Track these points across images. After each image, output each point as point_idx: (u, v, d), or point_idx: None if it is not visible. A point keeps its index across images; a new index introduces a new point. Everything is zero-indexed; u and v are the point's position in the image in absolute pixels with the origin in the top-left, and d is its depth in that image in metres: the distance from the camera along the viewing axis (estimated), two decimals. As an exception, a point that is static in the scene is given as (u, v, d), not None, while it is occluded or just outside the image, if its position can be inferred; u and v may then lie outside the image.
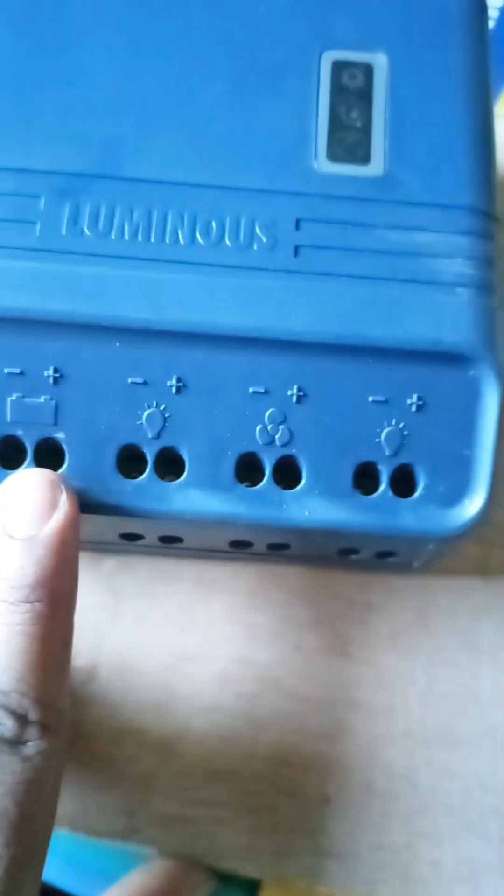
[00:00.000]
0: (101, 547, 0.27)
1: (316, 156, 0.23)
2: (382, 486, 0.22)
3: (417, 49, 0.24)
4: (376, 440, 0.22)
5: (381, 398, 0.22)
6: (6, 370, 0.22)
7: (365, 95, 0.24)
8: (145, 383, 0.22)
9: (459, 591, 0.28)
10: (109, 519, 0.23)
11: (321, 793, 0.26)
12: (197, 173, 0.23)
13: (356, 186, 0.23)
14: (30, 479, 0.21)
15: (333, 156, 0.23)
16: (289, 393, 0.22)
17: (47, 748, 0.19)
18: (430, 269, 0.22)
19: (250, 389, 0.22)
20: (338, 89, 0.24)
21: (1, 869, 0.18)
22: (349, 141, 0.23)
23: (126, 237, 0.22)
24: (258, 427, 0.22)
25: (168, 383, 0.22)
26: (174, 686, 0.26)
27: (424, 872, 0.26)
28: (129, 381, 0.22)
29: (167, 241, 0.22)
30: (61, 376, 0.22)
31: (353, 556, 0.25)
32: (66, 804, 0.26)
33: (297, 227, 0.23)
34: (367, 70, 0.24)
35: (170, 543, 0.25)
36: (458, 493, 0.22)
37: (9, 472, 0.21)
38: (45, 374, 0.22)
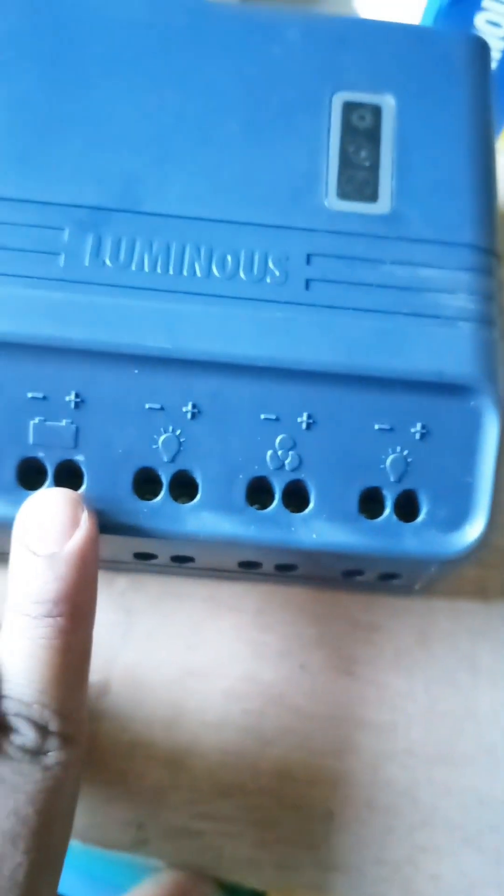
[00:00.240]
0: (113, 566, 0.28)
1: (326, 193, 0.24)
2: (387, 511, 0.23)
3: (424, 91, 0.26)
4: (381, 466, 0.23)
5: (387, 426, 0.23)
6: (29, 395, 0.23)
7: (373, 136, 0.25)
8: (162, 409, 0.23)
9: (459, 612, 0.28)
10: (124, 539, 0.23)
11: (325, 808, 0.27)
12: (213, 209, 0.24)
13: (364, 223, 0.24)
14: (53, 498, 0.21)
15: (343, 194, 0.24)
16: (299, 420, 0.23)
17: (67, 758, 0.20)
18: (434, 303, 0.23)
19: (262, 416, 0.23)
20: (348, 129, 0.25)
21: (21, 875, 0.19)
22: (358, 179, 0.25)
23: (146, 269, 0.23)
24: (269, 452, 0.23)
25: (183, 409, 0.23)
26: (183, 702, 0.27)
27: (424, 886, 0.26)
28: (147, 406, 0.23)
29: (184, 273, 0.23)
30: (82, 401, 0.23)
31: (358, 578, 0.26)
32: (77, 816, 0.26)
33: (308, 261, 0.24)
34: (376, 111, 0.25)
35: (181, 563, 0.26)
36: (459, 518, 0.23)
37: (29, 492, 0.22)
38: (67, 398, 0.23)
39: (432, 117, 0.25)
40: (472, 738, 0.27)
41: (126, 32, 0.25)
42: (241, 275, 0.23)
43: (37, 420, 0.23)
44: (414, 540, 0.23)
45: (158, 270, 0.23)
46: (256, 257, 0.24)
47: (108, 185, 0.24)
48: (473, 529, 0.23)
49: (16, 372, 0.23)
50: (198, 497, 0.23)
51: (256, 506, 0.23)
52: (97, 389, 0.23)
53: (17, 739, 0.20)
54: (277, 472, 0.23)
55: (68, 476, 0.23)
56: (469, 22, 0.34)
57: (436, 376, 0.23)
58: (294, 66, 0.25)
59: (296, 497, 0.23)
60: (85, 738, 0.21)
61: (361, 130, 0.25)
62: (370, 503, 0.23)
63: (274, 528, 0.23)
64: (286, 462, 0.23)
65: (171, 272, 0.23)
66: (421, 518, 0.23)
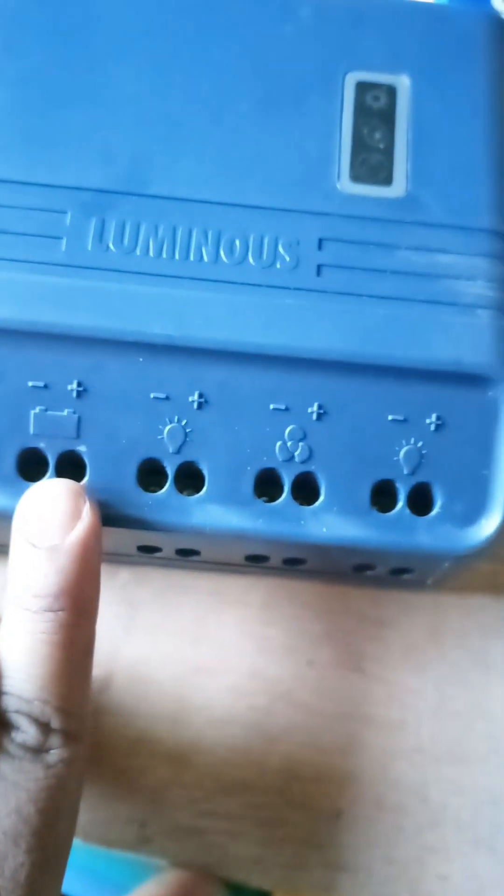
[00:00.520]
0: (116, 558, 0.27)
1: (339, 176, 0.24)
2: (400, 504, 0.23)
3: (440, 71, 0.25)
4: (395, 458, 0.22)
5: (401, 417, 0.22)
6: (30, 383, 0.22)
7: (388, 117, 0.24)
8: (167, 398, 0.22)
9: (471, 608, 0.28)
10: (128, 531, 0.23)
11: (332, 806, 0.26)
12: (221, 192, 0.23)
13: (379, 207, 0.23)
14: (53, 489, 0.21)
15: (356, 177, 0.24)
16: (309, 410, 0.22)
17: (69, 756, 0.20)
18: (451, 290, 0.23)
19: (271, 406, 0.22)
20: (361, 110, 0.24)
21: (23, 875, 0.19)
22: (372, 162, 0.24)
23: (151, 254, 0.22)
24: (278, 443, 0.22)
25: (190, 399, 0.22)
26: (187, 697, 0.27)
27: (433, 887, 0.26)
28: (152, 396, 0.22)
29: (191, 258, 0.23)
30: (84, 390, 0.22)
31: (368, 572, 0.25)
32: (80, 814, 0.26)
33: (320, 246, 0.23)
34: (391, 92, 0.24)
35: (186, 556, 0.25)
36: (474, 512, 0.23)
37: (30, 483, 0.22)
38: (69, 387, 0.22)
39: (449, 98, 0.24)
40: (482, 737, 0.27)
41: (134, 8, 0.24)
42: (250, 260, 0.23)
43: (38, 409, 0.22)
44: (427, 534, 0.22)
45: (164, 255, 0.23)
46: (266, 242, 0.23)
47: (112, 166, 0.23)
48: (489, 524, 0.22)
49: (16, 360, 0.22)
50: (204, 489, 0.22)
51: (265, 498, 0.22)
52: (100, 378, 0.22)
53: (18, 737, 0.19)
54: (287, 464, 0.22)
55: (70, 467, 0.22)
56: (486, 0, 0.33)
57: (452, 366, 0.22)
58: (306, 45, 0.25)
59: (306, 490, 0.23)
60: (88, 734, 0.21)
61: (375, 111, 0.24)
62: (382, 496, 0.23)
63: (283, 521, 0.22)
64: (296, 454, 0.22)
65: (177, 257, 0.23)
66: (435, 512, 0.23)
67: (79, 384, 0.22)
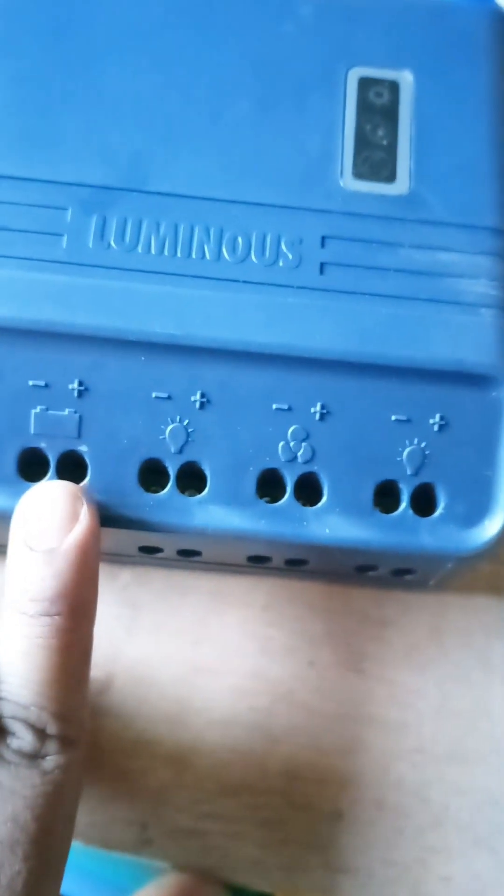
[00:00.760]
0: (117, 559, 0.27)
1: (342, 173, 0.23)
2: (403, 505, 0.22)
3: (443, 67, 0.24)
4: (398, 459, 0.22)
5: (404, 417, 0.22)
6: (31, 382, 0.22)
7: (391, 113, 0.24)
8: (169, 398, 0.22)
9: (473, 608, 0.28)
10: (129, 532, 0.23)
11: (333, 807, 0.26)
12: (223, 189, 0.23)
13: (381, 205, 0.23)
14: (51, 491, 0.20)
15: (359, 174, 0.23)
16: (312, 410, 0.22)
17: (66, 762, 0.19)
18: (454, 289, 0.23)
19: (274, 406, 0.22)
20: (364, 106, 0.24)
21: (20, 883, 0.18)
22: (375, 159, 0.24)
23: (152, 251, 0.22)
24: (281, 444, 0.22)
25: (192, 398, 0.22)
26: (188, 699, 0.26)
27: (435, 888, 0.26)
28: (153, 395, 0.22)
29: (193, 256, 0.22)
30: (85, 389, 0.22)
31: (371, 573, 0.25)
32: (80, 816, 0.25)
33: (323, 244, 0.23)
34: (394, 87, 0.24)
35: (188, 557, 0.25)
36: (478, 513, 0.22)
37: (30, 484, 0.21)
38: (70, 387, 0.22)
39: (452, 94, 0.24)
40: (484, 737, 0.27)
41: (135, 5, 0.24)
42: (253, 258, 0.22)
43: (38, 409, 0.22)
44: (430, 535, 0.22)
45: (166, 253, 0.22)
46: (268, 240, 0.23)
47: (113, 163, 0.23)
48: (493, 525, 0.22)
49: (16, 359, 0.22)
50: (206, 490, 0.22)
51: (267, 499, 0.22)
52: (101, 377, 0.22)
53: (14, 743, 0.19)
54: (289, 465, 0.22)
55: (71, 467, 0.22)
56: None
57: (456, 365, 0.22)
58: (307, 40, 0.24)
59: (308, 490, 0.22)
60: (85, 739, 0.21)
61: (378, 108, 0.24)
62: (385, 497, 0.22)
63: (285, 522, 0.22)
64: (298, 454, 0.22)
65: (178, 255, 0.22)
66: (438, 513, 0.22)
67: (80, 383, 0.22)
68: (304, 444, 0.22)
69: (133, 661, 0.27)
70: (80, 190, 0.23)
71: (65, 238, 0.22)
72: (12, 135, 0.23)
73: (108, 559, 0.27)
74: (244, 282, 0.22)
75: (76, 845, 0.25)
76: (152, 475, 0.22)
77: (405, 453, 0.22)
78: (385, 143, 0.24)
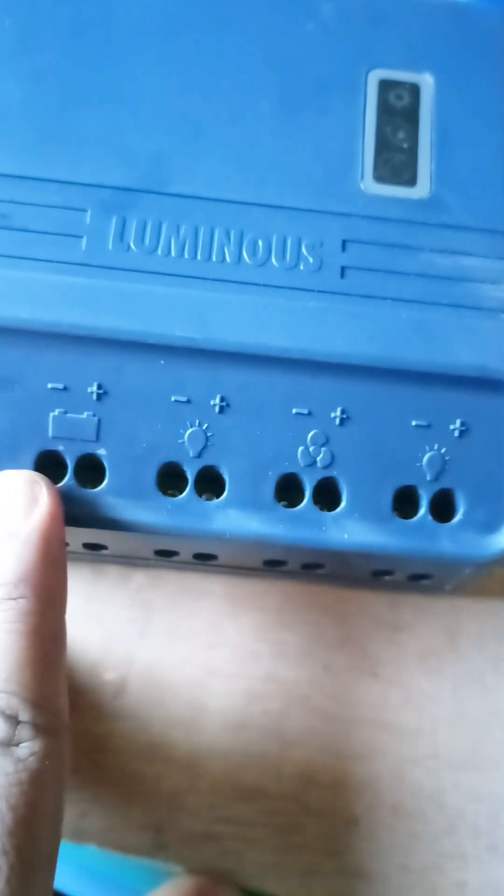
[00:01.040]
0: (129, 561, 0.27)
1: (363, 176, 0.23)
2: (422, 511, 0.22)
3: (464, 70, 0.24)
4: (417, 464, 0.22)
5: (424, 423, 0.22)
6: (49, 385, 0.22)
7: (411, 116, 0.24)
8: (188, 402, 0.22)
9: (487, 612, 0.28)
10: (146, 535, 0.23)
11: (349, 813, 0.26)
12: (243, 191, 0.23)
13: (402, 209, 0.23)
14: (6, 478, 0.20)
15: (380, 177, 0.23)
16: (332, 415, 0.22)
17: (43, 749, 0.19)
18: (476, 294, 0.22)
19: (293, 410, 0.22)
20: (384, 109, 0.24)
21: (1, 880, 0.17)
22: (395, 162, 0.23)
23: (172, 254, 0.22)
24: (300, 448, 0.22)
25: (211, 402, 0.22)
26: (203, 702, 0.26)
27: (450, 894, 0.26)
28: (173, 399, 0.22)
29: (213, 259, 0.22)
30: (104, 393, 0.22)
31: (387, 578, 0.25)
32: (94, 819, 0.25)
33: (344, 248, 0.23)
34: (414, 90, 0.24)
35: (204, 561, 0.25)
36: (497, 519, 0.22)
37: (49, 487, 0.21)
38: (89, 390, 0.22)
39: (473, 97, 0.24)
40: (500, 742, 0.27)
41: (155, 5, 0.24)
42: (273, 261, 0.22)
43: (57, 412, 0.22)
44: (449, 541, 0.22)
45: (186, 256, 0.22)
46: (289, 243, 0.22)
47: (133, 164, 0.23)
48: (512, 531, 0.22)
49: (35, 361, 0.22)
50: (225, 494, 0.22)
51: (285, 503, 0.22)
52: (121, 380, 0.22)
53: None
54: (308, 469, 0.22)
55: (89, 470, 0.22)
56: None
57: (477, 371, 0.22)
58: (328, 42, 0.24)
59: (327, 495, 0.22)
60: (65, 728, 0.20)
61: (399, 110, 0.24)
62: (404, 502, 0.22)
63: (304, 527, 0.22)
64: (318, 459, 0.22)
65: (199, 258, 0.22)
66: (457, 518, 0.22)
67: (99, 386, 0.22)
68: (323, 448, 0.22)
69: (147, 664, 0.27)
70: (100, 191, 0.22)
71: (84, 240, 0.22)
72: (32, 135, 0.23)
73: (122, 561, 0.27)
74: (264, 285, 0.22)
75: (90, 849, 0.25)
76: (171, 479, 0.22)
77: (425, 459, 0.22)
78: (406, 146, 0.24)
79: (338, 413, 0.22)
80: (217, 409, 0.22)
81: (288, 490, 0.22)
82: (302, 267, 0.22)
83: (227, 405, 0.22)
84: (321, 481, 0.22)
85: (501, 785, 0.26)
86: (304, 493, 0.22)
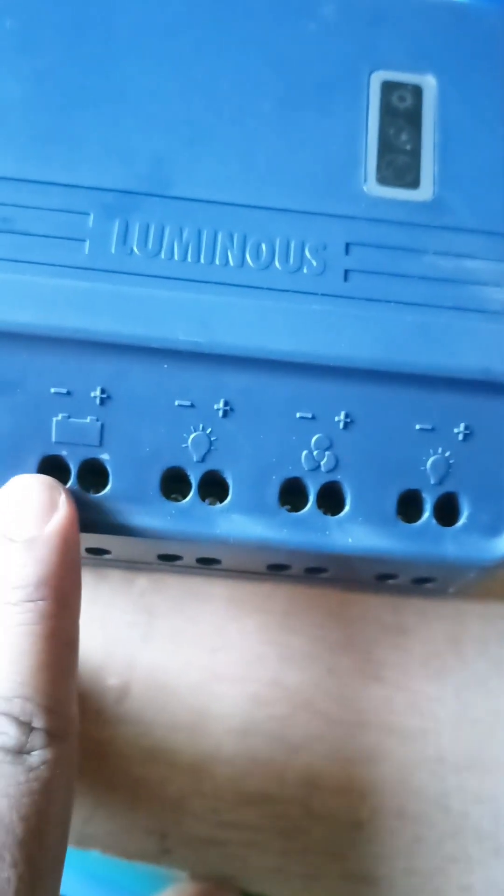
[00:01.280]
0: (132, 565, 0.27)
1: (366, 178, 0.23)
2: (426, 515, 0.22)
3: (467, 71, 0.24)
4: (421, 468, 0.22)
5: (428, 426, 0.22)
6: (53, 390, 0.21)
7: (414, 118, 0.24)
8: (192, 406, 0.22)
9: (491, 616, 0.28)
10: (149, 540, 0.22)
11: (353, 816, 0.26)
12: (246, 194, 0.23)
13: (406, 211, 0.23)
14: (26, 483, 0.20)
15: (383, 179, 0.23)
16: (336, 419, 0.22)
17: (54, 757, 0.18)
18: (480, 296, 0.22)
19: (297, 415, 0.22)
20: (387, 110, 0.24)
21: (10, 891, 0.17)
22: (398, 164, 0.23)
23: (175, 257, 0.22)
24: (304, 452, 0.22)
25: (215, 406, 0.22)
26: (206, 706, 0.26)
27: (455, 898, 0.26)
28: (176, 403, 0.22)
29: (216, 262, 0.22)
30: (108, 397, 0.22)
31: (391, 581, 0.25)
32: (97, 824, 0.25)
33: (347, 251, 0.22)
34: (417, 92, 0.24)
35: (207, 565, 0.25)
36: (501, 522, 0.22)
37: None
38: (92, 394, 0.22)
39: (476, 99, 0.24)
40: (504, 746, 0.27)
41: (156, 6, 0.24)
42: (277, 264, 0.22)
43: (60, 416, 0.22)
44: (454, 545, 0.22)
45: (189, 259, 0.22)
46: (292, 246, 0.22)
47: (135, 167, 0.23)
48: (517, 535, 0.22)
49: (38, 365, 0.21)
50: (228, 498, 0.22)
51: (287, 507, 0.22)
52: (124, 385, 0.22)
53: None
54: (312, 473, 0.22)
55: (92, 475, 0.22)
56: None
57: (481, 374, 0.22)
58: (330, 44, 0.24)
59: (331, 499, 0.22)
60: (76, 734, 0.20)
61: (401, 112, 0.24)
62: (409, 506, 0.22)
63: (308, 531, 0.22)
64: (322, 463, 0.22)
65: (202, 261, 0.22)
66: (461, 522, 0.22)
67: (102, 391, 0.22)
68: (327, 452, 0.22)
69: (150, 669, 0.26)
70: (103, 194, 0.22)
71: (87, 243, 0.22)
72: (34, 138, 0.22)
73: (124, 566, 0.27)
74: (267, 289, 0.22)
75: (94, 854, 0.25)
76: (174, 484, 0.22)
77: (429, 462, 0.22)
78: (409, 147, 0.24)
79: (341, 417, 0.22)
80: (220, 413, 0.22)
81: (292, 494, 0.22)
82: (305, 270, 0.22)
83: (231, 409, 0.22)
84: (325, 485, 0.22)
85: (506, 788, 0.26)
86: (307, 498, 0.22)
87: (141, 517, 0.22)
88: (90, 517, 0.22)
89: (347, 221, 0.23)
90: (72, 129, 0.23)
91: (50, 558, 0.19)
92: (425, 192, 0.23)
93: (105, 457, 0.22)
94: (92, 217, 0.22)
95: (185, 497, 0.22)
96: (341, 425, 0.22)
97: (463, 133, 0.24)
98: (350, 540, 0.22)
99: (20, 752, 0.18)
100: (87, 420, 0.22)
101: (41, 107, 0.23)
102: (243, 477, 0.22)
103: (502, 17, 0.25)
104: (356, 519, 0.22)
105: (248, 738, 0.26)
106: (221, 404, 0.22)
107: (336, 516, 0.22)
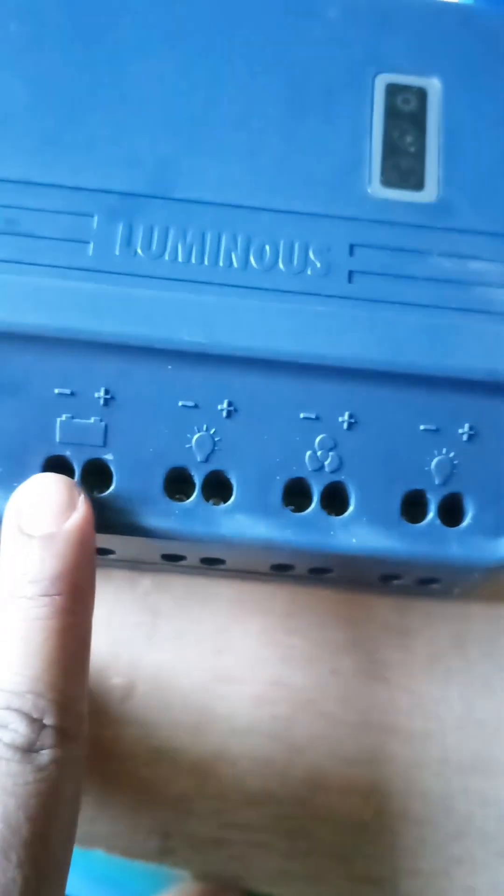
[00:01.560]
0: (136, 566, 0.27)
1: (370, 180, 0.23)
2: (430, 515, 0.22)
3: (470, 73, 0.24)
4: (426, 469, 0.22)
5: (433, 427, 0.22)
6: (56, 391, 0.22)
7: (419, 120, 0.24)
8: (196, 406, 0.22)
9: (496, 617, 0.28)
10: (153, 540, 0.22)
11: (357, 818, 0.26)
12: (250, 196, 0.23)
13: (410, 213, 0.23)
14: (47, 481, 0.20)
15: (387, 181, 0.23)
16: (340, 419, 0.22)
17: (64, 756, 0.18)
18: (484, 298, 0.22)
19: (301, 415, 0.22)
20: (392, 113, 0.24)
21: (15, 892, 0.17)
22: (403, 166, 0.23)
23: (179, 259, 0.22)
24: (308, 453, 0.22)
25: (219, 407, 0.22)
26: (210, 707, 0.26)
27: (458, 900, 0.26)
28: (180, 404, 0.22)
29: (220, 264, 0.22)
30: (112, 398, 0.22)
31: (395, 582, 0.25)
32: (100, 825, 0.25)
33: (351, 252, 0.22)
34: (421, 94, 0.24)
35: (211, 565, 0.25)
36: (506, 523, 0.22)
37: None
38: (96, 395, 0.22)
39: (480, 101, 0.24)
40: (508, 748, 0.27)
41: (161, 9, 0.24)
42: (281, 266, 0.22)
43: (64, 417, 0.22)
44: (458, 546, 0.22)
45: (193, 261, 0.22)
46: (296, 247, 0.22)
47: (139, 169, 0.23)
48: (521, 536, 0.22)
49: (42, 366, 0.22)
50: (232, 498, 0.22)
51: (291, 507, 0.22)
52: (128, 386, 0.22)
53: (5, 736, 0.18)
54: (316, 474, 0.22)
55: (96, 475, 0.22)
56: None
57: (485, 374, 0.22)
58: (335, 46, 0.24)
59: (335, 500, 0.22)
60: (86, 734, 0.19)
61: (406, 114, 0.24)
62: (413, 507, 0.22)
63: (312, 531, 0.22)
64: (326, 463, 0.22)
65: (206, 263, 0.22)
66: (466, 523, 0.22)
67: (106, 392, 0.22)
68: (331, 453, 0.22)
69: (154, 669, 0.26)
70: (107, 196, 0.22)
71: (91, 245, 0.22)
72: (38, 140, 0.23)
73: (128, 566, 0.27)
74: (272, 290, 0.22)
75: (97, 853, 0.25)
76: (178, 484, 0.22)
77: (433, 463, 0.22)
78: (413, 150, 0.24)
79: (346, 417, 0.22)
80: (224, 413, 0.22)
81: (296, 495, 0.22)
82: (309, 271, 0.22)
83: (235, 410, 0.22)
84: (329, 486, 0.22)
85: (510, 790, 0.26)
86: (311, 498, 0.22)
87: (145, 517, 0.22)
88: (94, 517, 0.22)
89: (352, 223, 0.23)
90: (76, 131, 0.23)
91: (67, 554, 0.19)
92: (429, 193, 0.23)
93: (109, 457, 0.22)
94: (96, 219, 0.22)
95: (188, 497, 0.22)
96: (345, 426, 0.22)
97: (467, 135, 0.24)
98: (354, 540, 0.22)
99: (30, 749, 0.18)
100: (91, 421, 0.22)
101: (46, 109, 0.23)
102: (247, 477, 0.22)
103: (506, 19, 0.25)
104: (360, 519, 0.22)
105: (251, 739, 0.26)
106: (225, 405, 0.22)
107: (340, 517, 0.22)
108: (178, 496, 0.22)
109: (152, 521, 0.22)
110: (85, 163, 0.23)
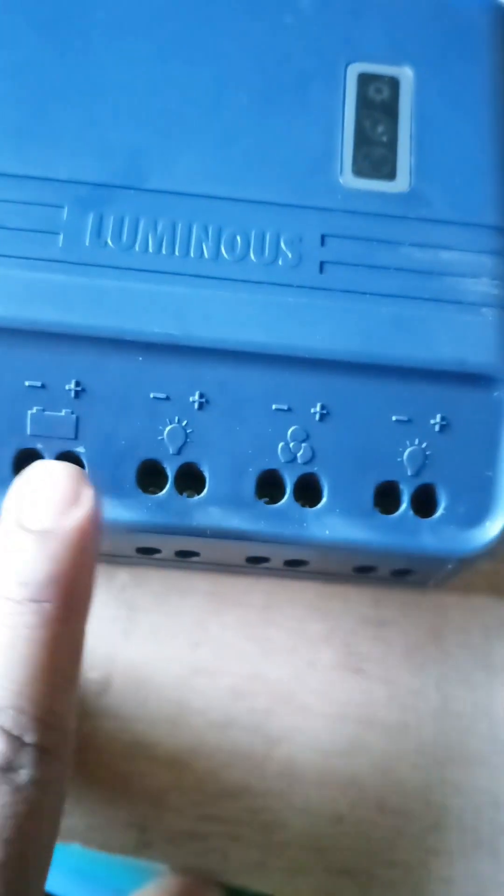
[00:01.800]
0: (113, 560, 0.27)
1: (342, 170, 0.23)
2: (403, 506, 0.22)
3: (443, 63, 0.24)
4: (398, 460, 0.22)
5: (405, 418, 0.22)
6: (27, 383, 0.21)
7: (391, 110, 0.24)
8: (167, 398, 0.22)
9: (473, 608, 0.28)
10: (127, 533, 0.22)
11: (334, 810, 0.26)
12: (221, 186, 0.23)
13: (382, 203, 0.23)
14: (51, 469, 0.19)
15: (359, 171, 0.23)
16: (312, 411, 0.22)
17: (44, 776, 0.17)
18: (456, 288, 0.22)
19: (273, 407, 0.22)
20: (364, 103, 0.24)
21: None
22: (375, 156, 0.23)
23: (150, 250, 0.22)
24: (280, 444, 0.22)
25: (190, 399, 0.22)
26: (187, 700, 0.26)
27: (436, 890, 0.26)
28: (152, 396, 0.22)
29: (192, 254, 0.22)
30: (83, 390, 0.22)
31: (371, 574, 0.25)
32: (77, 818, 0.25)
33: (323, 242, 0.22)
34: (394, 84, 0.24)
35: (186, 558, 0.25)
36: (479, 513, 0.22)
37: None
38: (67, 387, 0.21)
39: (453, 90, 0.24)
40: (485, 738, 0.26)
41: (130, -3, 0.24)
42: (252, 257, 0.22)
43: (35, 410, 0.22)
44: (431, 536, 0.22)
45: (164, 251, 0.22)
46: (268, 238, 0.22)
47: (110, 159, 0.22)
48: (494, 526, 0.22)
49: (12, 359, 0.21)
50: (205, 491, 0.22)
51: (265, 499, 0.22)
52: (99, 378, 0.22)
53: None
54: (289, 466, 0.22)
55: (69, 468, 0.22)
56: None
57: (457, 365, 0.22)
58: (307, 35, 0.24)
59: (308, 491, 0.22)
60: (70, 752, 0.18)
61: (378, 104, 0.24)
62: (386, 498, 0.22)
63: (285, 523, 0.22)
64: (298, 455, 0.22)
65: (176, 253, 0.22)
66: (439, 513, 0.22)
67: (77, 384, 0.22)
68: (303, 444, 0.22)
69: (131, 663, 0.26)
70: (77, 187, 0.22)
71: (61, 236, 0.22)
72: (7, 131, 0.22)
73: (105, 560, 0.27)
74: (243, 281, 0.22)
75: (74, 847, 0.25)
76: (151, 476, 0.22)
77: (406, 454, 0.22)
78: (385, 139, 0.23)
79: (318, 409, 0.22)
80: (196, 405, 0.22)
81: (269, 486, 0.22)
82: (281, 262, 0.22)
83: (207, 402, 0.22)
84: (302, 477, 0.22)
85: (487, 781, 0.26)
86: (284, 490, 0.22)
87: (118, 510, 0.22)
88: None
89: (323, 213, 0.23)
90: (46, 122, 0.23)
91: (63, 556, 0.17)
92: (401, 183, 0.23)
93: (80, 450, 0.22)
94: (66, 210, 0.22)
95: (161, 490, 0.22)
96: (317, 417, 0.22)
97: (439, 125, 0.24)
98: (327, 532, 0.22)
99: (8, 769, 0.16)
100: (62, 413, 0.22)
101: (15, 100, 0.23)
102: (220, 469, 0.22)
103: (479, 9, 0.25)
104: (333, 510, 0.22)
105: (228, 732, 0.26)
106: (197, 396, 0.22)
107: (313, 508, 0.22)
108: (150, 489, 0.22)
109: (125, 513, 0.22)
110: (54, 153, 0.22)
